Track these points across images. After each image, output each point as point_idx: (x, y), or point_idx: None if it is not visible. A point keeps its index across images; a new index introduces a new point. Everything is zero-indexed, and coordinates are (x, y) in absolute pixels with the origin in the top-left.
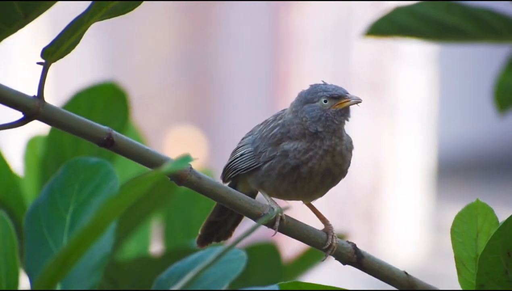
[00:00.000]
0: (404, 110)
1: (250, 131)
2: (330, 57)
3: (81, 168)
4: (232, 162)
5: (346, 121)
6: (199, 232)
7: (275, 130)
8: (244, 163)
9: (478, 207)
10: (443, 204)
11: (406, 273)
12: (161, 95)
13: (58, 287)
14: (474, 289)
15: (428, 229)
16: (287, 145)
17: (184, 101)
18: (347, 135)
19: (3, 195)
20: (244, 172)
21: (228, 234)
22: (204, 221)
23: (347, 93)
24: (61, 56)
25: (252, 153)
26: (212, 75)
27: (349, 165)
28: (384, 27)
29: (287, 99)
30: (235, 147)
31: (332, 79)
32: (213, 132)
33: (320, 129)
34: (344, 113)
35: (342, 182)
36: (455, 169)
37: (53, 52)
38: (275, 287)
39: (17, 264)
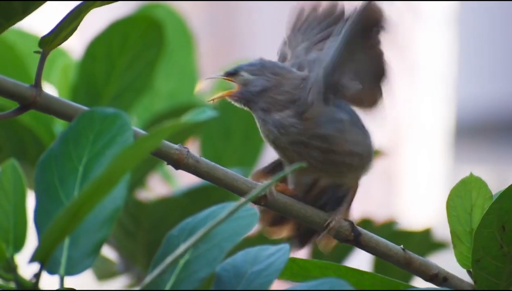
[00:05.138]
0: (424, 71)
1: None
2: None
3: (97, 118)
4: None
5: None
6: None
7: None
8: None
9: (472, 181)
10: (461, 165)
11: (403, 249)
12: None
13: (67, 241)
14: (470, 263)
15: (446, 190)
16: None
17: (207, 56)
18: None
19: (31, 121)
20: None
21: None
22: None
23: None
24: (59, 44)
25: None
26: (235, 32)
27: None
28: None
29: None
30: None
31: None
32: None
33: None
34: (236, 98)
35: None
36: (474, 130)
37: (51, 41)
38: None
39: (26, 216)
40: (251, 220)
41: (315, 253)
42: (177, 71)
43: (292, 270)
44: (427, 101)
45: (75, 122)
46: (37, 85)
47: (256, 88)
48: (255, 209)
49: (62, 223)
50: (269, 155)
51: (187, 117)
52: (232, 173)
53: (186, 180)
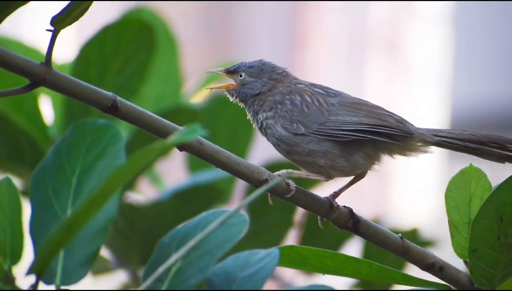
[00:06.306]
0: (419, 70)
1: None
2: (347, 16)
3: (89, 130)
4: None
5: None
6: None
7: None
8: None
9: (471, 172)
10: (456, 164)
11: (401, 237)
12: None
13: (62, 252)
14: (467, 253)
15: (440, 188)
16: None
17: (204, 57)
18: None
19: (27, 124)
20: None
21: None
22: None
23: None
24: (70, 24)
25: None
26: (232, 32)
27: (280, 138)
28: None
29: (304, 57)
30: None
31: (348, 38)
32: None
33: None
34: (233, 94)
35: None
36: (468, 128)
37: (62, 20)
38: (275, 250)
39: (23, 228)
40: (241, 227)
41: (306, 239)
42: (163, 75)
43: (291, 258)
44: (422, 99)
45: (67, 133)
46: (47, 63)
47: (252, 91)
48: (245, 215)
49: (57, 237)
50: (256, 155)
51: (177, 136)
52: (235, 156)
53: (171, 181)
